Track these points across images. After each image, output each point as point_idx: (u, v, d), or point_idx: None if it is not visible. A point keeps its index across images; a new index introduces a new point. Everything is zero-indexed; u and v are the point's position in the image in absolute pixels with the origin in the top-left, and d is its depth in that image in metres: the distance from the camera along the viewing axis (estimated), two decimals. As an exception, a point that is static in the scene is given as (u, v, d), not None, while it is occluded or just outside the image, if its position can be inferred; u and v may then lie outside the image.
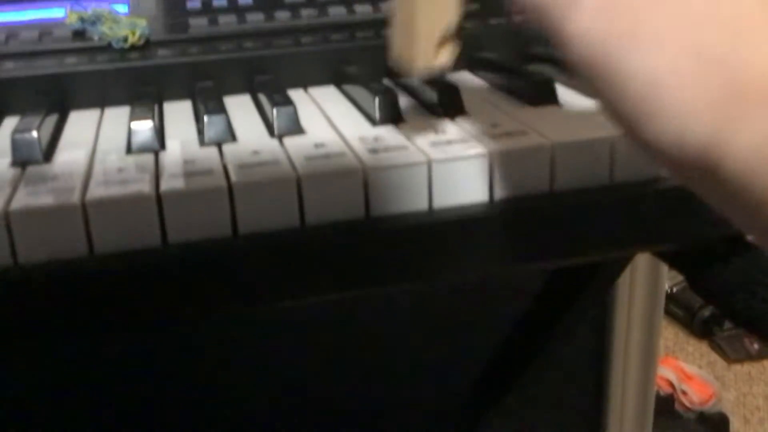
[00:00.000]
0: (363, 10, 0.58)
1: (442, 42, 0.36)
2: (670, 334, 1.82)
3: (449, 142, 0.41)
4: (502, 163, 0.40)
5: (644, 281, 1.04)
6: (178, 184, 0.37)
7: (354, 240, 0.38)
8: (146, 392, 0.77)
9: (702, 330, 1.79)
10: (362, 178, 0.38)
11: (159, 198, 0.36)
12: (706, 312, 1.78)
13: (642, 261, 1.03)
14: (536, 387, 0.87)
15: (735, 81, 0.24)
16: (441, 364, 0.85)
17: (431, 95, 0.47)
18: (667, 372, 1.59)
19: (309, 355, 0.81)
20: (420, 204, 0.39)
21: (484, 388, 0.86)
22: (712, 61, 0.24)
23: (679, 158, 0.26)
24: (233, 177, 0.37)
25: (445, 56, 0.36)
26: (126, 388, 0.76)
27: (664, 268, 1.05)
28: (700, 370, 1.66)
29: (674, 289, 1.79)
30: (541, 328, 0.75)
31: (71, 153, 0.43)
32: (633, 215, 0.42)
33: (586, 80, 0.27)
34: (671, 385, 1.58)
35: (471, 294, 0.80)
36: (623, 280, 1.02)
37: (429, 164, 0.39)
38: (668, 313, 1.81)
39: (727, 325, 1.78)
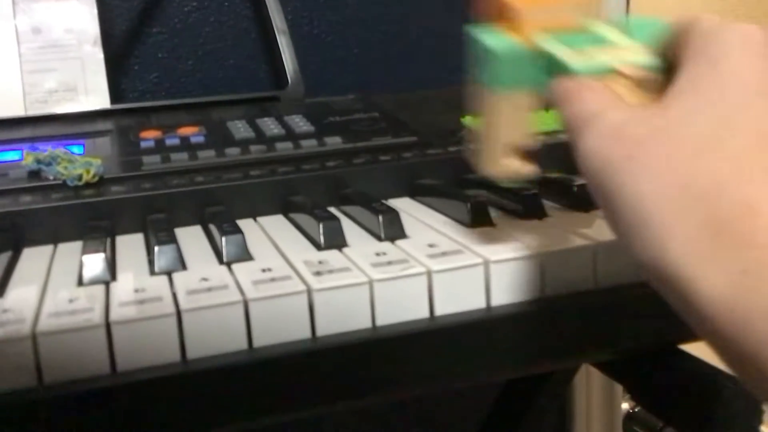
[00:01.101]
0: (308, 144, 0.62)
1: (514, 154, 0.39)
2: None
3: (390, 263, 0.43)
4: (440, 281, 0.42)
5: (601, 400, 1.05)
6: (128, 312, 0.38)
7: (300, 360, 0.39)
8: None
9: (666, 447, 1.78)
10: (307, 299, 0.40)
11: (108, 326, 0.37)
12: (668, 431, 1.78)
13: (597, 380, 1.05)
14: None
15: (714, 218, 0.26)
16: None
17: (374, 221, 0.49)
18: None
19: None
20: (364, 322, 0.41)
21: None
22: (696, 196, 0.26)
23: (657, 278, 0.27)
24: (182, 303, 0.39)
25: (516, 167, 0.39)
26: None
27: (620, 387, 1.06)
28: (667, 491, 1.64)
29: (636, 409, 1.79)
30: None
31: (23, 287, 0.44)
32: (566, 327, 0.44)
33: (591, 191, 0.31)
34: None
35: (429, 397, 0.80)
36: (579, 399, 1.03)
37: (371, 284, 0.41)
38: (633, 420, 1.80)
39: (690, 443, 1.77)
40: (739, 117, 0.28)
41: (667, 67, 0.33)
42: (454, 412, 0.84)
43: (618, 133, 0.30)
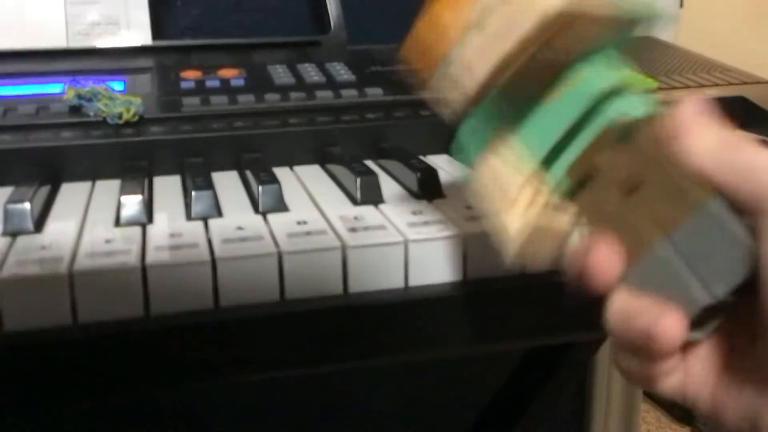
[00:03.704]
0: (349, 94, 0.61)
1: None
2: (652, 418, 1.81)
3: (426, 223, 0.42)
4: (475, 244, 0.41)
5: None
6: (163, 256, 0.39)
7: (331, 314, 0.40)
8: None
9: (683, 415, 1.78)
10: (341, 255, 0.40)
11: (144, 269, 0.38)
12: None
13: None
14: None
15: None
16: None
17: (411, 178, 0.49)
18: (648, 457, 1.57)
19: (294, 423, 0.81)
20: (396, 282, 0.40)
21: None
22: None
23: None
24: (217, 251, 0.39)
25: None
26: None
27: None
28: (682, 456, 1.65)
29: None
30: (517, 407, 0.75)
31: (61, 224, 0.44)
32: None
33: None
34: (653, 470, 1.56)
35: (450, 366, 0.81)
36: (602, 366, 1.02)
37: (405, 244, 0.40)
38: (651, 397, 1.81)
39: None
40: None
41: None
42: (474, 375, 0.84)
43: None
